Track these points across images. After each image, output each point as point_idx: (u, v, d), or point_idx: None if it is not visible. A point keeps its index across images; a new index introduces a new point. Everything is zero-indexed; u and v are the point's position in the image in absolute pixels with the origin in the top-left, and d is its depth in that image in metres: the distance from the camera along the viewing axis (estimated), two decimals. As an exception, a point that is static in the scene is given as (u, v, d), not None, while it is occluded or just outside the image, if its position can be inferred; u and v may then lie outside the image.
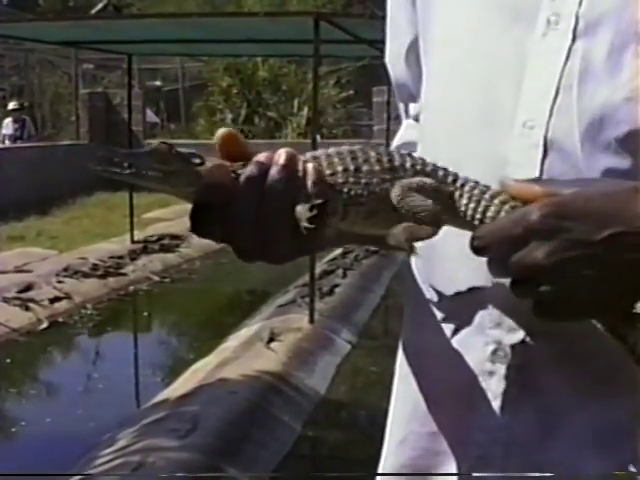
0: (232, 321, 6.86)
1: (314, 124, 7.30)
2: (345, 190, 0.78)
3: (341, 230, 0.81)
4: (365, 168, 0.78)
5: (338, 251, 9.22)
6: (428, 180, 0.79)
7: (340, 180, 0.78)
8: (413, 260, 0.98)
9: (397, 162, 0.79)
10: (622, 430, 0.83)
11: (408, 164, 0.79)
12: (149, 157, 0.77)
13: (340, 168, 0.78)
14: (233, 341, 5.98)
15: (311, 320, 6.24)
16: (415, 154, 0.88)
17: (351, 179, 0.78)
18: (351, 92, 18.47)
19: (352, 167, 0.78)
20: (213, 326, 7.38)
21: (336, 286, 7.54)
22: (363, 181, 0.78)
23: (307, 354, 5.76)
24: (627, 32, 0.79)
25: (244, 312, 7.11)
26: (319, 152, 0.81)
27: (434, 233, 0.79)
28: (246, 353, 5.57)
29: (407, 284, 1.02)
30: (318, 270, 7.23)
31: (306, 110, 16.68)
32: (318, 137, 6.83)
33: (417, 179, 0.79)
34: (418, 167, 0.80)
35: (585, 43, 0.82)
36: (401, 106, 1.12)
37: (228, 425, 4.42)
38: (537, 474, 0.85)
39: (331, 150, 0.81)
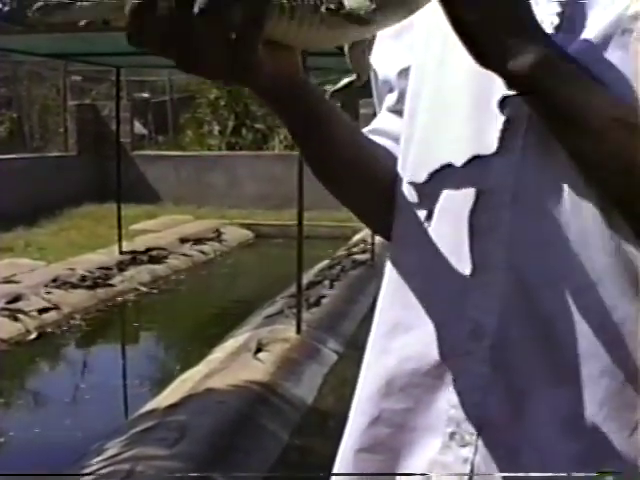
0: (219, 332, 6.87)
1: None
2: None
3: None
4: None
5: (325, 262, 9.27)
6: None
7: None
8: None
9: None
10: (592, 415, 0.85)
11: None
12: None
13: None
14: (221, 351, 6.00)
15: (298, 330, 6.27)
16: (384, 142, 0.98)
17: None
18: (338, 104, 18.56)
19: None
20: (201, 337, 7.40)
21: (323, 297, 7.57)
22: None
23: (294, 364, 5.79)
24: (610, 25, 0.82)
25: (231, 323, 7.13)
26: None
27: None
28: (234, 363, 5.60)
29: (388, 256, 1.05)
30: (305, 281, 7.27)
31: (294, 122, 16.70)
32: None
33: None
34: None
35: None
36: (377, 101, 1.16)
37: (216, 434, 4.45)
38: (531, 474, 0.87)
39: None
